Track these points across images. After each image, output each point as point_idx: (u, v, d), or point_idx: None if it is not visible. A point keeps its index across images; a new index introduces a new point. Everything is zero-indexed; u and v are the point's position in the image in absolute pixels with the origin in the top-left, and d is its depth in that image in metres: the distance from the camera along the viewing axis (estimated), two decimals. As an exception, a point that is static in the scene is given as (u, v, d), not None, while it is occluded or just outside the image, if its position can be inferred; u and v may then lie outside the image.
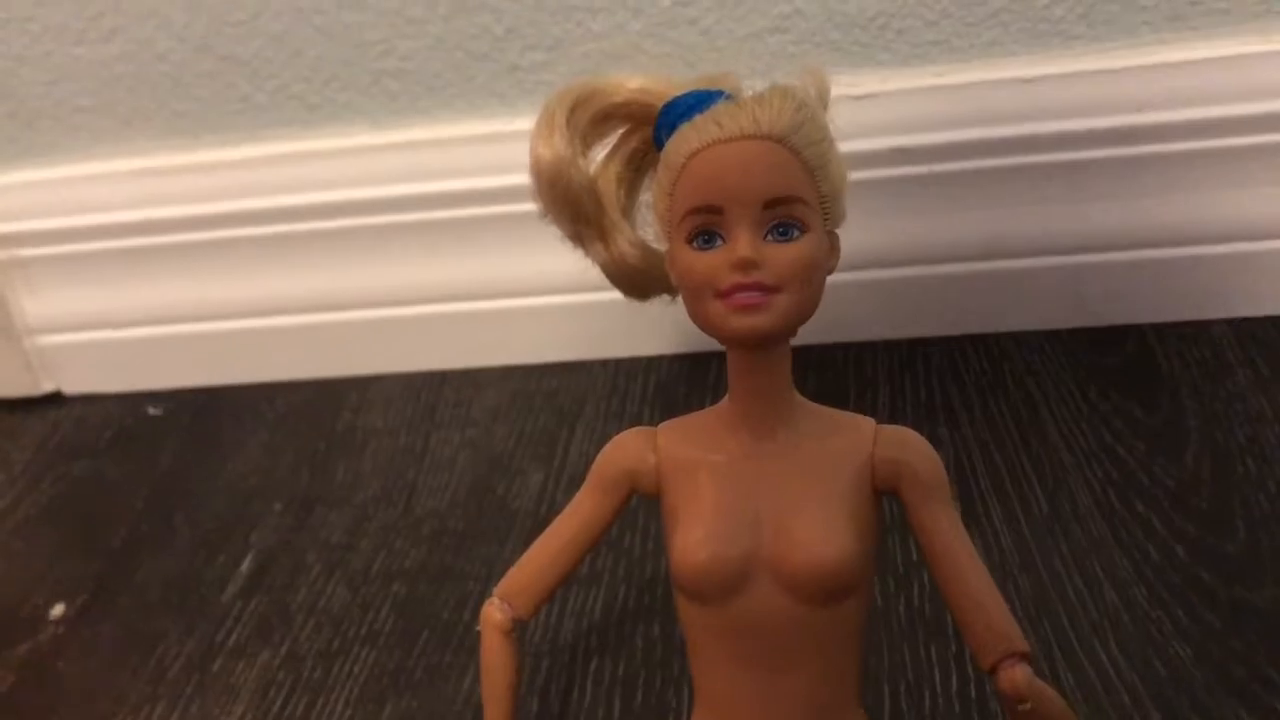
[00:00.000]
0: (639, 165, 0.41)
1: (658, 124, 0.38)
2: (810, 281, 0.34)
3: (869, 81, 0.62)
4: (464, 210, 0.68)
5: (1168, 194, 0.61)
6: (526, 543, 0.58)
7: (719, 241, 0.34)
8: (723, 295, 0.34)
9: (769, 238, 0.34)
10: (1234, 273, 0.63)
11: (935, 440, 0.59)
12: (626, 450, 0.39)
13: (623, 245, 0.40)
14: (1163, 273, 0.63)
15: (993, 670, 0.36)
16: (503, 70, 0.65)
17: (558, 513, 0.59)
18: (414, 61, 0.66)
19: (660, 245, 0.38)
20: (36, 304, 0.76)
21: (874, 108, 0.62)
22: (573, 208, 0.39)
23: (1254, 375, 0.60)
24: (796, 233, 0.34)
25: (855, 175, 0.61)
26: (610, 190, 0.40)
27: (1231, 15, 0.59)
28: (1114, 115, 0.60)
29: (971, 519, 0.54)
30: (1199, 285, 0.63)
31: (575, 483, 0.62)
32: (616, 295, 0.41)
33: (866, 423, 0.37)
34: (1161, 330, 0.64)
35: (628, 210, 0.41)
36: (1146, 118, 0.60)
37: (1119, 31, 0.60)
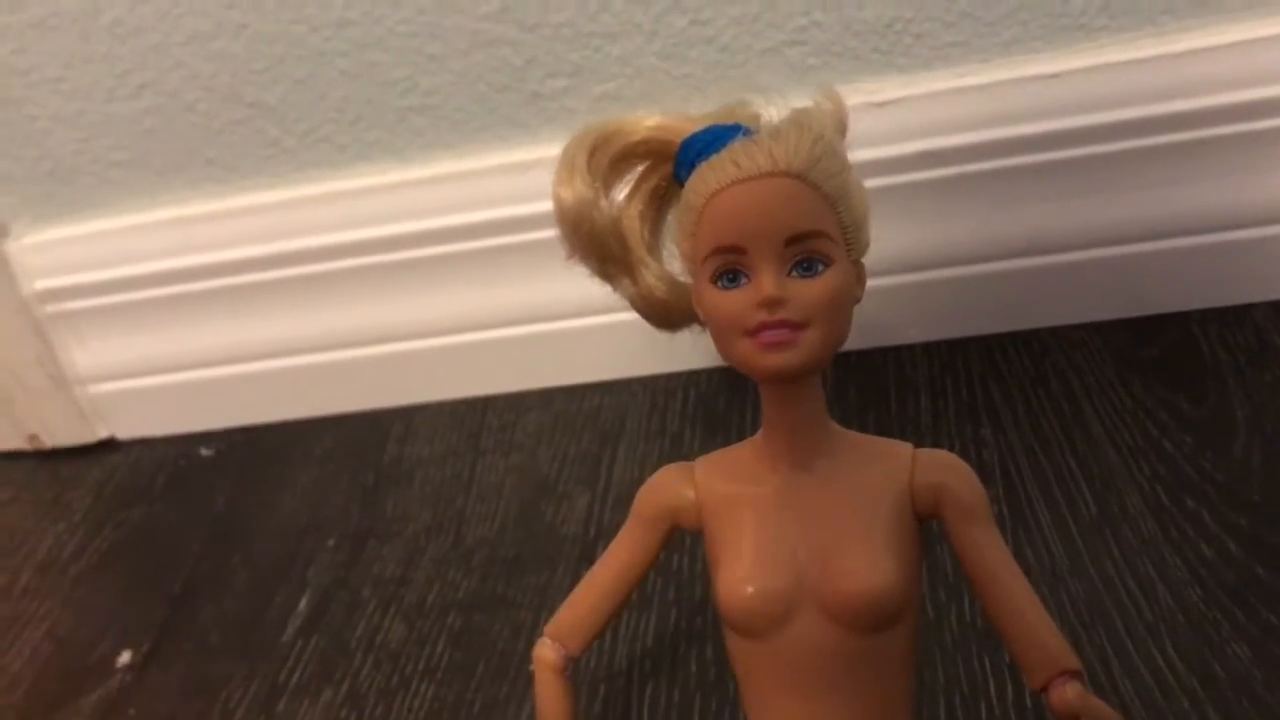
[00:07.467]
0: (661, 201, 0.41)
1: (676, 162, 0.38)
2: (837, 314, 0.35)
3: (890, 88, 0.62)
4: (494, 239, 0.69)
5: (1201, 181, 0.60)
6: (576, 568, 0.59)
7: (744, 280, 0.34)
8: (750, 334, 0.34)
9: (793, 273, 0.34)
10: (1273, 255, 0.62)
11: (979, 442, 0.60)
12: (665, 488, 0.39)
13: (650, 281, 0.40)
14: (1201, 259, 0.62)
15: (1044, 690, 0.36)
16: (524, 100, 0.66)
17: (605, 536, 0.60)
18: (437, 97, 0.67)
19: (687, 278, 0.39)
20: (86, 354, 0.77)
21: (898, 113, 0.62)
22: (598, 248, 0.39)
23: (1301, 359, 0.59)
24: (820, 267, 0.34)
25: (883, 181, 0.62)
26: (634, 228, 0.40)
27: (1256, -4, 0.59)
28: (1141, 105, 0.59)
29: (1020, 524, 0.54)
30: (1238, 269, 0.62)
31: (620, 504, 0.63)
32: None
33: (904, 448, 0.37)
34: (1203, 317, 0.64)
35: (653, 246, 0.41)
36: (1174, 106, 0.59)
37: (1141, 21, 0.59)
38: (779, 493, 0.37)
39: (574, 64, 0.64)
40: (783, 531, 0.36)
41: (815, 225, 0.34)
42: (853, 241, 0.35)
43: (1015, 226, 0.63)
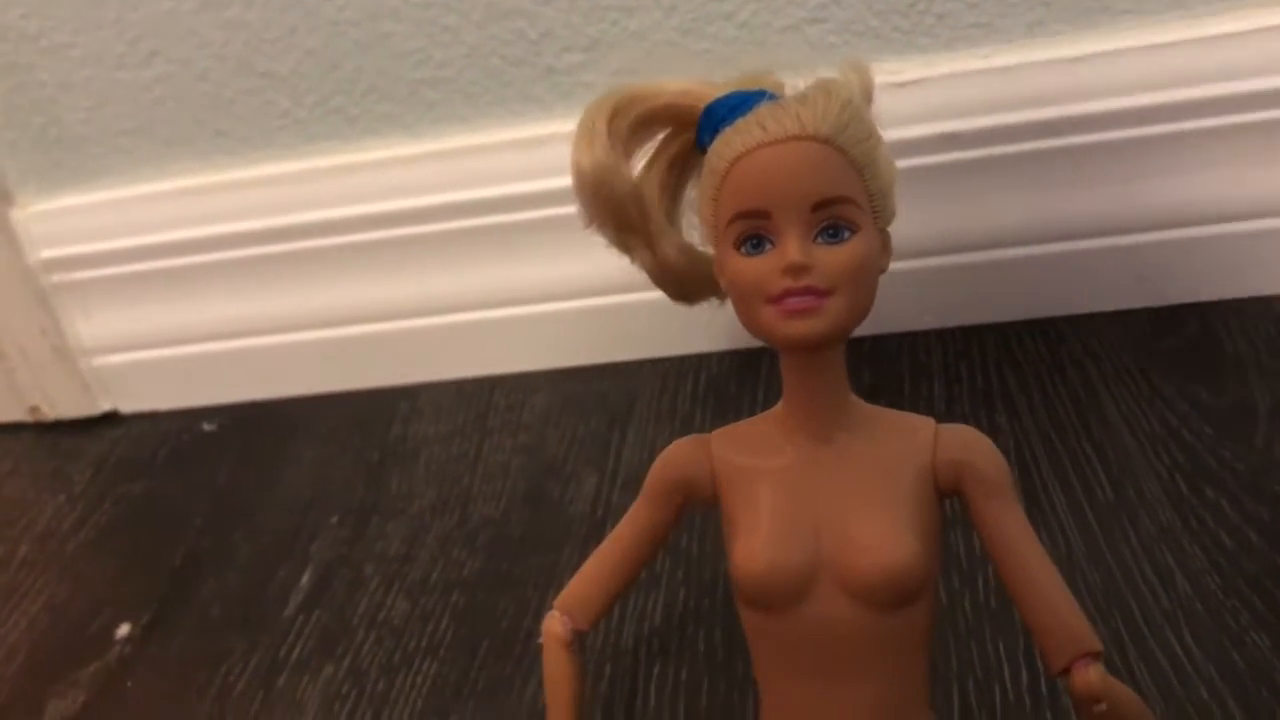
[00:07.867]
0: (682, 169, 0.40)
1: (700, 127, 0.37)
2: (863, 282, 0.34)
3: (912, 68, 0.61)
4: (506, 215, 0.68)
5: (1225, 168, 0.60)
6: (583, 548, 0.59)
7: (768, 246, 0.34)
8: (774, 301, 0.33)
9: (819, 240, 0.33)
10: (1297, 246, 0.61)
11: (994, 429, 0.59)
12: (679, 460, 0.38)
13: (669, 251, 0.39)
14: (1223, 249, 0.62)
15: (1065, 672, 0.35)
16: (539, 74, 0.65)
17: (613, 517, 0.60)
18: (451, 70, 0.66)
19: (707, 249, 0.38)
20: (90, 326, 0.77)
21: (919, 94, 0.61)
22: (617, 216, 0.38)
23: (1322, 351, 0.58)
24: (847, 234, 0.33)
25: (903, 163, 0.60)
26: (654, 196, 0.39)
27: (1284, -19, 0.58)
28: (1166, 90, 0.58)
29: (1036, 510, 0.53)
30: (1261, 260, 0.62)
31: (629, 485, 0.62)
32: (664, 294, 0.41)
33: (925, 423, 0.36)
34: (1224, 307, 0.63)
35: (672, 215, 0.40)
36: (1199, 91, 0.58)
37: (1167, 4, 0.58)
38: (797, 465, 0.36)
39: (590, 38, 0.63)
40: (801, 505, 0.35)
41: (842, 191, 0.33)
42: (879, 209, 0.35)
43: (1035, 212, 0.62)
